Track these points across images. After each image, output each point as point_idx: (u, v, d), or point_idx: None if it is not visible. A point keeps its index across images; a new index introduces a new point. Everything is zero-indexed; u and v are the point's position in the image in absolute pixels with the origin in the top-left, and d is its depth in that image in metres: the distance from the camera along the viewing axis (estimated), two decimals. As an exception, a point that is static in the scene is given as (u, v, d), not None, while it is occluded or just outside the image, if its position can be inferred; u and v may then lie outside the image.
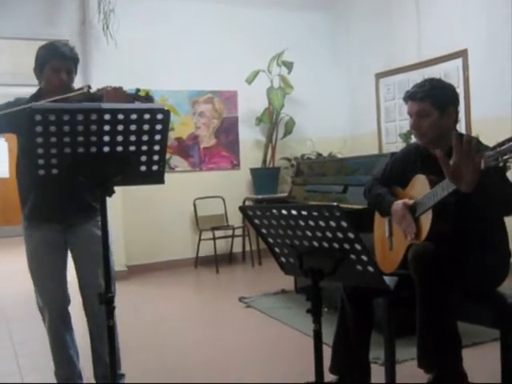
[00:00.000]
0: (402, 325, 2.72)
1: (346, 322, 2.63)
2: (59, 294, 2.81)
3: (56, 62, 2.66)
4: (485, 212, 2.38)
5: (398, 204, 2.57)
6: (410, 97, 2.57)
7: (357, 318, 2.59)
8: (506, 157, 1.96)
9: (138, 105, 2.46)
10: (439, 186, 2.30)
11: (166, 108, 2.07)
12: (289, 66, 6.89)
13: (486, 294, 2.46)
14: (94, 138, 2.00)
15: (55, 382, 2.94)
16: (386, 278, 1.79)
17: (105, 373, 2.77)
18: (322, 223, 1.68)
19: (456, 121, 2.60)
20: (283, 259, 1.95)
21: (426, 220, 2.42)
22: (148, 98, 2.67)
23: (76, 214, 2.77)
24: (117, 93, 2.59)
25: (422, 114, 2.51)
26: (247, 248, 6.96)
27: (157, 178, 2.19)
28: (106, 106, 2.00)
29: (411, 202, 2.52)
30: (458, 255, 2.36)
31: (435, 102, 2.50)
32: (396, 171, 2.77)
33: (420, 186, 2.50)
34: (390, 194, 2.69)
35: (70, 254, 2.87)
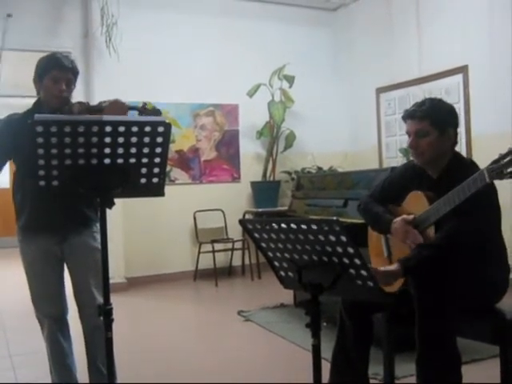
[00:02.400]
0: (401, 340, 2.71)
1: (344, 337, 2.61)
2: (57, 304, 2.81)
3: (56, 72, 2.67)
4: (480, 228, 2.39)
5: (396, 222, 2.53)
6: (409, 115, 2.55)
7: (356, 333, 2.58)
8: (510, 169, 1.95)
9: (139, 117, 2.47)
10: (441, 202, 2.30)
11: (167, 121, 2.08)
12: (290, 79, 6.92)
13: (485, 309, 2.46)
14: (94, 150, 2.00)
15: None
16: (385, 293, 1.78)
17: (101, 382, 2.77)
18: (321, 237, 1.68)
19: (455, 143, 2.58)
20: (282, 273, 1.94)
21: (429, 236, 2.41)
22: (155, 111, 2.64)
23: (72, 225, 2.76)
24: (116, 106, 2.60)
25: (421, 133, 2.49)
26: (247, 261, 6.95)
27: (157, 191, 2.19)
28: (107, 118, 2.00)
29: (410, 217, 2.51)
30: (458, 271, 2.35)
31: (434, 121, 2.48)
32: (394, 188, 2.75)
33: (418, 203, 2.49)
34: (388, 213, 2.66)
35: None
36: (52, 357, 2.86)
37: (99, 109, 2.62)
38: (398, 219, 2.54)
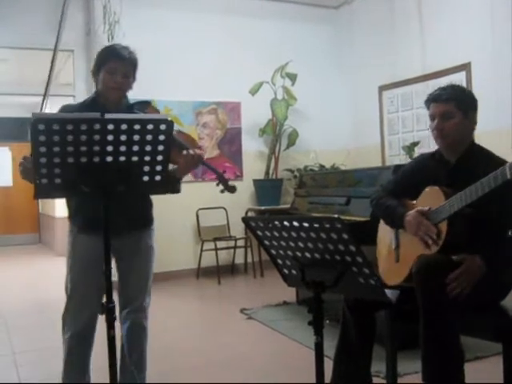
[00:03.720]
0: (404, 338, 2.71)
1: (347, 335, 2.61)
2: (93, 305, 2.57)
3: (112, 63, 2.63)
4: (492, 226, 2.38)
5: (410, 214, 2.53)
6: (433, 99, 2.58)
7: (358, 331, 2.58)
8: None
9: (141, 115, 2.46)
10: (457, 197, 2.29)
11: (169, 118, 2.07)
12: (292, 77, 6.92)
13: (489, 307, 2.45)
14: (97, 148, 2.00)
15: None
16: (388, 291, 1.78)
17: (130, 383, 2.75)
18: (323, 235, 1.68)
19: (474, 127, 2.60)
20: (286, 271, 1.94)
21: (442, 231, 2.39)
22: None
23: (132, 225, 2.71)
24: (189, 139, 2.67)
25: (446, 115, 2.52)
26: (249, 259, 6.95)
27: (159, 189, 2.19)
28: (109, 116, 2.00)
29: (426, 208, 2.49)
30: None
31: (459, 104, 2.51)
32: (409, 181, 2.74)
33: (434, 198, 2.47)
34: (402, 206, 2.65)
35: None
36: (69, 357, 2.72)
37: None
38: (412, 211, 2.53)
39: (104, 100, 2.67)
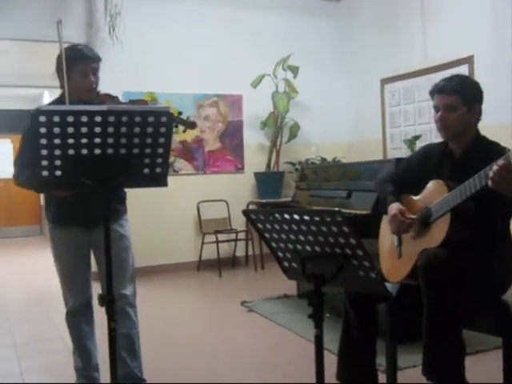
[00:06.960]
0: (403, 331, 2.71)
1: (349, 329, 2.61)
2: (83, 290, 2.90)
3: (82, 65, 2.68)
4: (495, 219, 2.37)
5: (392, 206, 2.60)
6: (438, 90, 2.57)
7: (360, 324, 2.58)
8: None
9: (142, 107, 2.45)
10: (458, 190, 2.28)
11: (170, 110, 2.07)
12: (294, 70, 6.90)
13: (490, 301, 2.45)
14: (97, 140, 1.99)
15: (57, 382, 2.94)
16: (388, 285, 1.78)
17: (125, 373, 2.82)
18: (324, 228, 1.67)
19: (479, 118, 2.59)
20: (286, 264, 1.94)
21: (444, 224, 2.38)
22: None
23: (100, 217, 2.77)
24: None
25: (450, 107, 2.51)
26: (250, 252, 6.96)
27: (160, 181, 2.19)
28: (110, 107, 1.99)
29: (410, 214, 2.54)
30: (467, 263, 2.34)
31: (464, 97, 2.51)
32: (413, 171, 2.74)
33: (437, 192, 2.47)
34: (393, 195, 2.68)
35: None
36: (73, 338, 2.94)
37: None
38: (394, 204, 2.59)
39: (76, 101, 2.67)
